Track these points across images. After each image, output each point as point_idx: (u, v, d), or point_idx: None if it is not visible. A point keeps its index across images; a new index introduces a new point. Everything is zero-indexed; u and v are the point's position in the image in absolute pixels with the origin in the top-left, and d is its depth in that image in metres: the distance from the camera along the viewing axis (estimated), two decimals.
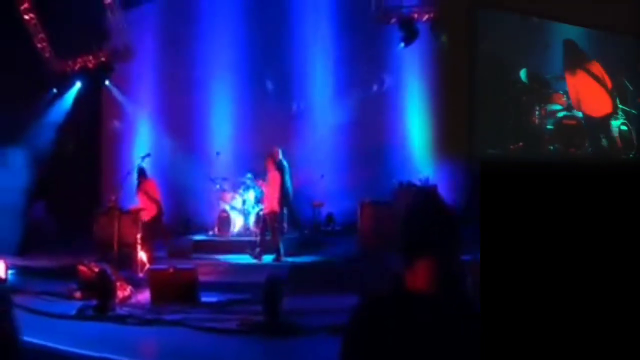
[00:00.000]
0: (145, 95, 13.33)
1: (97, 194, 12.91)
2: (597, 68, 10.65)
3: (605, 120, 10.73)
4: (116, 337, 6.46)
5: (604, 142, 10.70)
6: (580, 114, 10.62)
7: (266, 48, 12.77)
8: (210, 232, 11.75)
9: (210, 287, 8.20)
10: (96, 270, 7.84)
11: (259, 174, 10.97)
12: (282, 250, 10.14)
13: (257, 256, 10.22)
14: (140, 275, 8.95)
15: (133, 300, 7.96)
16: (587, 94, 10.63)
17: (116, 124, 13.63)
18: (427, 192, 2.05)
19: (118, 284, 7.78)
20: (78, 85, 12.98)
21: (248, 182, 11.52)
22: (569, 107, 10.57)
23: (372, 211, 10.36)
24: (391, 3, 11.48)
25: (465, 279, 1.89)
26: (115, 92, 13.25)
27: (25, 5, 12.19)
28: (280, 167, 10.82)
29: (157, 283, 7.80)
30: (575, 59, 10.56)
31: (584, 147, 10.60)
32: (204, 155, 12.75)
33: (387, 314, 1.78)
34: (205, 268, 8.99)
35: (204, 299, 7.79)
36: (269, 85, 13.23)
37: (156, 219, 10.09)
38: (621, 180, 1.55)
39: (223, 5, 13.10)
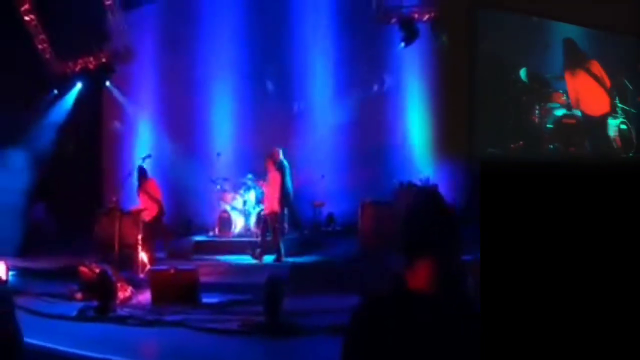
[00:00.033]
0: (146, 96, 13.32)
1: (98, 195, 12.91)
2: (596, 67, 10.65)
3: (604, 119, 10.73)
4: (117, 338, 6.45)
5: (604, 141, 10.70)
6: (579, 113, 10.62)
7: (266, 48, 12.77)
8: (211, 233, 11.75)
9: (211, 287, 8.20)
10: (97, 271, 7.84)
11: (260, 175, 10.98)
12: (282, 251, 10.14)
13: (258, 257, 10.22)
14: (141, 276, 8.95)
15: (134, 301, 7.96)
16: (586, 93, 10.64)
17: (117, 125, 13.62)
18: (427, 192, 2.05)
19: (119, 284, 7.78)
20: (79, 86, 12.98)
21: (249, 182, 11.52)
22: (568, 107, 10.56)
23: (372, 211, 10.35)
24: (391, 3, 11.48)
25: (465, 279, 1.89)
26: (115, 93, 13.25)
27: (26, 6, 12.20)
28: (280, 168, 10.82)
29: (158, 284, 7.80)
30: (575, 58, 10.56)
31: (583, 146, 10.60)
32: (204, 156, 12.75)
33: (388, 314, 1.78)
34: (206, 269, 8.99)
35: (204, 299, 7.79)
36: (270, 85, 13.22)
37: (157, 219, 10.08)
38: (621, 179, 1.55)
39: (223, 6, 13.09)
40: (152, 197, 9.98)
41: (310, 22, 12.88)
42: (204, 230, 12.14)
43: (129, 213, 9.91)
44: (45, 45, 12.46)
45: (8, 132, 11.23)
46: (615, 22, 9.64)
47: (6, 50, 11.30)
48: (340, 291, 7.11)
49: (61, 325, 6.84)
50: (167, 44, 13.04)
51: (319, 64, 12.89)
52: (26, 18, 12.23)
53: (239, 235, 11.42)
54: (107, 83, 12.97)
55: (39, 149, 12.27)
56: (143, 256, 9.30)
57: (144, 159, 10.22)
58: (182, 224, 12.42)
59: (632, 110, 10.75)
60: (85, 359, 5.70)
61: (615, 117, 10.76)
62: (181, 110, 13.02)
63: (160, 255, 10.23)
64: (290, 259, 10.08)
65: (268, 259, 10.18)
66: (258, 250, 10.25)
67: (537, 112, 10.41)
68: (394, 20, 11.36)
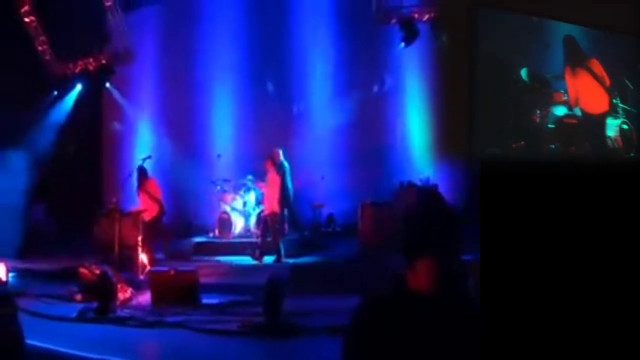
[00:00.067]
0: (146, 97, 13.32)
1: (98, 196, 12.90)
2: (596, 66, 10.63)
3: (603, 117, 10.72)
4: (117, 339, 6.45)
5: (605, 141, 10.69)
6: (579, 112, 10.61)
7: (266, 49, 12.76)
8: (211, 234, 11.75)
9: (211, 288, 8.20)
10: (97, 272, 7.84)
11: (260, 176, 10.97)
12: (282, 252, 10.14)
13: (258, 257, 10.22)
14: (141, 277, 8.95)
15: (134, 302, 7.96)
16: (586, 91, 10.63)
17: (117, 126, 13.62)
18: (428, 192, 2.05)
19: (119, 286, 7.78)
20: (79, 87, 12.98)
21: (249, 183, 11.52)
22: (569, 106, 10.56)
23: (372, 212, 10.35)
24: (391, 3, 11.47)
25: (465, 279, 1.88)
26: (115, 94, 13.24)
27: (26, 7, 12.21)
28: (280, 168, 10.82)
29: (158, 285, 7.80)
30: (575, 56, 10.55)
31: (584, 146, 10.59)
32: (204, 157, 12.75)
33: (388, 314, 1.78)
34: (206, 270, 8.98)
35: (204, 300, 7.80)
36: (270, 86, 13.21)
37: (158, 219, 10.07)
38: (622, 179, 1.54)
39: (223, 8, 13.09)
40: (152, 197, 9.96)
41: (310, 23, 12.88)
42: (204, 231, 12.13)
43: (129, 214, 9.91)
44: (45, 46, 12.46)
45: (8, 133, 11.24)
46: (615, 22, 9.64)
47: (6, 51, 11.30)
48: (340, 292, 7.09)
49: (61, 327, 6.84)
50: (167, 45, 13.05)
51: (319, 65, 12.88)
52: (26, 19, 12.23)
53: (239, 236, 11.42)
54: (107, 84, 12.97)
55: (39, 150, 12.27)
56: (143, 257, 9.29)
57: (144, 160, 10.22)
58: (182, 225, 12.41)
59: (633, 111, 10.74)
60: None
61: (616, 117, 10.75)
62: (181, 111, 13.02)
63: (160, 256, 10.22)
64: (290, 260, 10.08)
65: (268, 259, 10.17)
66: (258, 251, 10.25)
67: (538, 112, 10.40)
68: (394, 20, 11.35)
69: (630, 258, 1.50)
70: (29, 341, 3.33)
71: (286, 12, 12.86)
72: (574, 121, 10.58)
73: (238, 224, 11.51)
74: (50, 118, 12.82)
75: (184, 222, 12.52)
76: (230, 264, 10.20)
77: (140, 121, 13.39)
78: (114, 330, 6.77)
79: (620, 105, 10.75)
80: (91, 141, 13.53)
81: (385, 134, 12.65)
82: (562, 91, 10.58)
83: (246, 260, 10.33)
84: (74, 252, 10.31)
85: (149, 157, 10.38)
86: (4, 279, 8.55)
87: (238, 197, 11.64)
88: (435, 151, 11.67)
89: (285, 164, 11.23)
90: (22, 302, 6.97)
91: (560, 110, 10.54)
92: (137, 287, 8.35)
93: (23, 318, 3.21)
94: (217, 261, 10.40)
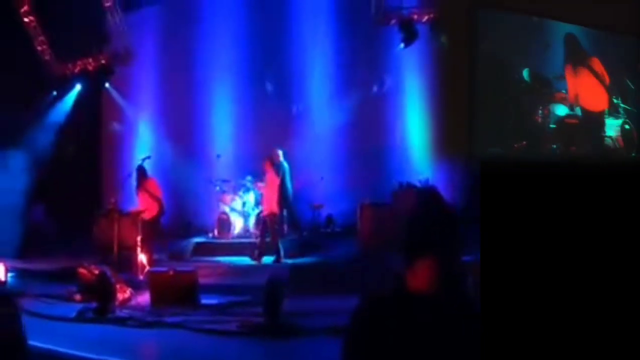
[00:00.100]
0: (145, 97, 13.33)
1: (97, 196, 12.91)
2: (597, 64, 10.63)
3: (602, 116, 10.72)
4: (116, 339, 6.44)
5: (606, 141, 10.68)
6: (579, 111, 10.61)
7: (266, 50, 12.77)
8: (210, 234, 11.74)
9: (210, 289, 8.20)
10: (96, 272, 7.84)
11: (259, 176, 10.97)
12: (281, 252, 10.13)
13: (257, 258, 10.21)
14: (140, 277, 8.94)
15: (133, 302, 7.96)
16: (586, 89, 10.62)
17: (116, 126, 13.62)
18: (428, 192, 2.04)
19: (118, 286, 7.77)
20: (78, 87, 12.98)
21: (248, 184, 11.52)
22: (570, 106, 10.56)
23: (371, 212, 10.35)
24: (391, 4, 11.47)
25: (465, 279, 1.88)
26: (115, 94, 13.25)
27: (26, 7, 12.20)
28: (278, 169, 10.81)
29: (157, 285, 7.79)
30: (576, 54, 10.54)
31: (584, 146, 10.59)
32: (204, 158, 12.75)
33: (388, 314, 1.77)
34: (205, 270, 8.98)
35: (204, 301, 7.79)
36: (269, 87, 13.21)
37: (157, 219, 10.06)
38: (623, 180, 1.54)
39: (223, 8, 13.09)
40: (152, 196, 9.94)
41: (309, 24, 12.88)
42: (203, 231, 12.13)
43: (128, 214, 9.90)
44: (44, 46, 12.47)
45: (7, 133, 11.23)
46: (615, 22, 9.64)
47: (6, 51, 11.30)
48: (339, 292, 7.07)
49: (60, 327, 6.83)
50: (166, 45, 13.05)
51: (319, 66, 12.88)
52: (26, 19, 12.23)
53: (238, 236, 11.42)
54: (107, 84, 12.98)
55: (38, 150, 12.27)
56: (142, 257, 9.29)
57: (143, 160, 10.21)
58: (182, 226, 12.41)
59: (634, 110, 10.74)
60: None
61: (617, 117, 10.75)
62: (181, 111, 13.03)
63: (160, 256, 10.21)
64: (290, 260, 10.08)
65: (267, 260, 10.17)
66: (257, 252, 10.24)
67: (540, 112, 10.40)
68: (393, 21, 11.35)
69: (630, 258, 1.50)
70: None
71: (286, 12, 12.87)
72: (575, 121, 10.57)
73: (237, 224, 11.50)
74: (50, 118, 12.82)
75: (183, 223, 12.52)
76: (229, 265, 10.20)
77: (139, 121, 13.39)
78: (113, 330, 6.76)
79: (622, 105, 10.75)
80: (90, 141, 13.54)
81: (385, 135, 12.66)
82: (563, 91, 10.58)
83: (245, 260, 10.32)
84: (73, 252, 10.31)
85: (149, 157, 10.38)
86: (3, 279, 8.56)
87: (237, 198, 11.63)
88: (435, 151, 11.66)
89: (285, 164, 11.23)
90: (21, 302, 6.99)
91: (561, 110, 10.53)
92: (136, 287, 8.35)
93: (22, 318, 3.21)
94: (217, 261, 10.40)
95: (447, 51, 10.33)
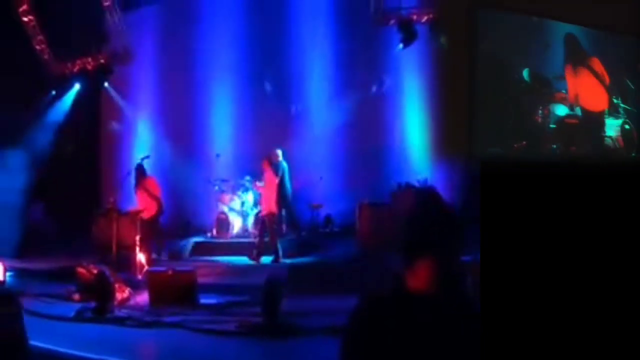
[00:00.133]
0: (144, 97, 13.31)
1: (96, 196, 12.90)
2: (597, 64, 10.63)
3: (602, 116, 10.73)
4: (115, 339, 6.44)
5: (606, 141, 10.69)
6: (579, 111, 10.62)
7: (265, 50, 12.76)
8: (209, 234, 11.74)
9: (209, 288, 8.20)
10: (95, 272, 7.83)
11: (257, 176, 10.97)
12: (280, 252, 10.13)
13: (255, 258, 10.21)
14: (139, 277, 8.93)
15: (132, 302, 7.96)
16: (586, 89, 10.63)
17: (115, 125, 13.61)
18: (428, 192, 2.03)
19: (117, 285, 7.77)
20: (77, 87, 12.97)
21: (247, 184, 11.52)
22: (570, 106, 10.56)
23: (370, 212, 10.35)
24: (390, 5, 11.46)
25: (465, 279, 1.87)
26: (114, 94, 13.24)
27: (24, 7, 12.18)
28: (277, 169, 10.80)
29: (156, 285, 7.79)
30: (576, 54, 10.55)
31: (584, 146, 10.59)
32: (203, 158, 12.74)
33: (387, 314, 1.77)
34: (203, 270, 8.98)
35: (202, 300, 7.79)
36: (268, 87, 13.20)
37: (156, 218, 10.06)
38: (623, 180, 1.54)
39: (222, 8, 13.08)
40: (151, 195, 9.94)
41: (308, 24, 12.87)
42: (202, 231, 12.12)
43: (127, 214, 9.89)
44: (43, 45, 12.45)
45: (6, 133, 11.22)
46: (615, 22, 9.64)
47: (5, 50, 11.28)
48: (338, 292, 7.06)
49: (59, 326, 6.83)
50: (165, 45, 13.04)
51: (318, 66, 12.87)
52: (24, 19, 12.21)
53: (237, 236, 11.42)
54: (106, 84, 12.96)
55: (37, 150, 12.26)
56: (141, 257, 9.28)
57: (142, 159, 10.22)
58: (180, 226, 12.41)
59: (634, 110, 10.74)
60: None
61: (617, 117, 10.75)
62: (180, 111, 13.02)
63: (156, 256, 10.21)
64: (288, 260, 10.07)
65: (266, 260, 10.16)
66: (256, 252, 10.24)
67: (540, 112, 10.40)
68: (392, 21, 11.34)
69: (630, 258, 1.49)
70: None
71: (285, 12, 12.85)
72: (575, 121, 10.58)
73: (236, 224, 11.50)
74: (49, 117, 12.81)
75: (182, 222, 12.51)
76: (228, 264, 10.19)
77: (138, 121, 13.38)
78: (111, 330, 6.76)
79: (622, 105, 10.76)
80: (89, 141, 13.53)
81: (384, 135, 12.65)
82: (563, 91, 10.58)
83: (244, 260, 10.32)
84: (71, 251, 10.30)
85: (148, 156, 10.38)
86: (1, 278, 8.54)
87: (236, 198, 11.63)
88: (435, 151, 11.66)
89: (284, 164, 11.22)
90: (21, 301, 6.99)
91: (561, 110, 10.54)
92: (135, 287, 8.34)
93: None
94: (215, 261, 10.39)
95: (446, 51, 10.33)
